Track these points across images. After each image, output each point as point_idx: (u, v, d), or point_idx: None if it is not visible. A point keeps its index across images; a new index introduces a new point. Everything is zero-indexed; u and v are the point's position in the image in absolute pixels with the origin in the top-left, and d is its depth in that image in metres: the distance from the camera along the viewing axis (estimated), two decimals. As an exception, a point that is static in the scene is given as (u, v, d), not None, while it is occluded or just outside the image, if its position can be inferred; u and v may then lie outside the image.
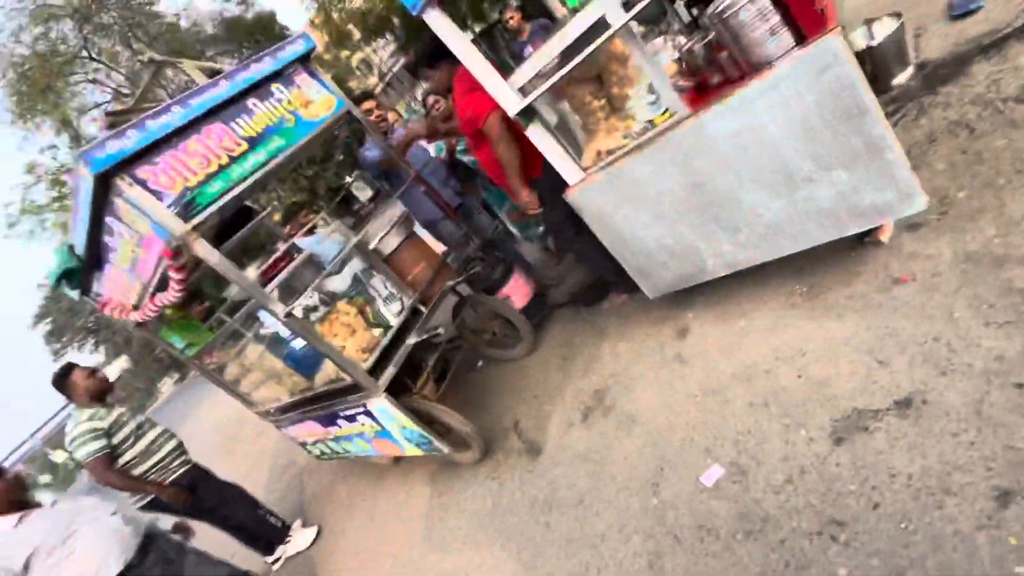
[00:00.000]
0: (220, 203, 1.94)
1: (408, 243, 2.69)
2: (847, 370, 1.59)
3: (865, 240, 1.89)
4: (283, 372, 2.59)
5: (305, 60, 2.39)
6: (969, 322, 1.44)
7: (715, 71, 1.83)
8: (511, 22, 4.27)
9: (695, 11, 2.33)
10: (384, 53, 23.11)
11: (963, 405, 1.30)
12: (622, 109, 2.11)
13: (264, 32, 17.82)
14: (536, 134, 2.04)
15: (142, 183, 1.78)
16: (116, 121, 2.20)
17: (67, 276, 2.41)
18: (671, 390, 2.07)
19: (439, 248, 3.30)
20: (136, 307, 2.49)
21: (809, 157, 1.62)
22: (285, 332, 2.18)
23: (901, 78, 2.44)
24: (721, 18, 1.58)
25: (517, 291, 3.11)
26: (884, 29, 2.41)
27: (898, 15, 2.37)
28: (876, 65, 2.42)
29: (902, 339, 1.54)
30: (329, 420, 2.69)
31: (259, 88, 2.18)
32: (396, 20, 12.03)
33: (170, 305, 2.34)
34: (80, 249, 2.25)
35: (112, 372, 33.77)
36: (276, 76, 2.25)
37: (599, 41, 1.68)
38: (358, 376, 2.16)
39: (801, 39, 1.54)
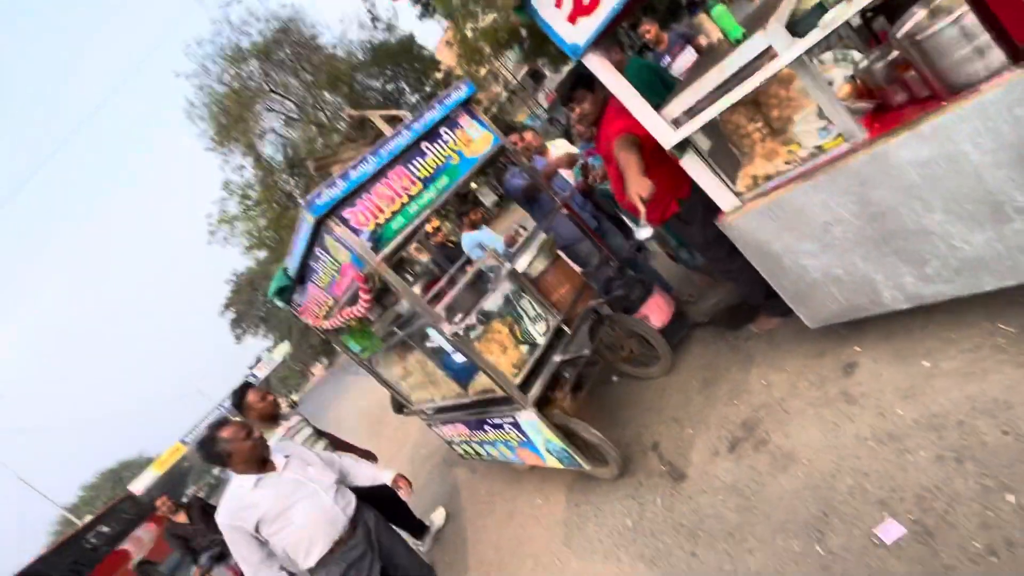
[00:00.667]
0: (401, 236, 2.27)
1: (553, 266, 2.85)
2: (1074, 432, 1.38)
3: (1101, 275, 1.60)
4: (441, 379, 2.90)
5: (467, 103, 2.66)
6: None
7: (899, 89, 1.69)
8: (647, 35, 4.22)
9: (871, 16, 2.14)
10: (509, 63, 23.98)
11: None
12: (783, 132, 2.02)
13: (406, 55, 19.62)
14: (690, 164, 2.05)
15: (345, 222, 2.15)
16: (320, 164, 2.67)
17: (280, 291, 2.97)
18: (836, 431, 1.94)
19: (580, 270, 3.42)
20: (326, 317, 2.99)
21: (1022, 187, 1.43)
22: (448, 346, 2.46)
23: None
24: (912, 39, 1.46)
25: (656, 310, 3.11)
26: None
27: None
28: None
29: None
30: (478, 425, 2.96)
31: (431, 132, 2.48)
32: (524, 32, 12.45)
33: (356, 317, 2.77)
34: (292, 271, 2.76)
35: (279, 353, 39.82)
36: (444, 120, 2.55)
37: (764, 75, 1.65)
38: (511, 390, 2.36)
39: (1017, 55, 1.36)
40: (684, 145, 2.01)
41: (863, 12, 2.11)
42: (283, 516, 2.24)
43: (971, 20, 1.36)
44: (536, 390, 2.45)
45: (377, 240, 2.22)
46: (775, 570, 1.74)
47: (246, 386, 3.13)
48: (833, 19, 1.53)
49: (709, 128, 2.29)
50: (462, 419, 3.06)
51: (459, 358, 2.59)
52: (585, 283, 2.97)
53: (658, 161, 2.32)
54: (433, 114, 2.47)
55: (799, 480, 1.91)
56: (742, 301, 3.01)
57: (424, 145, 2.44)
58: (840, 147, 1.73)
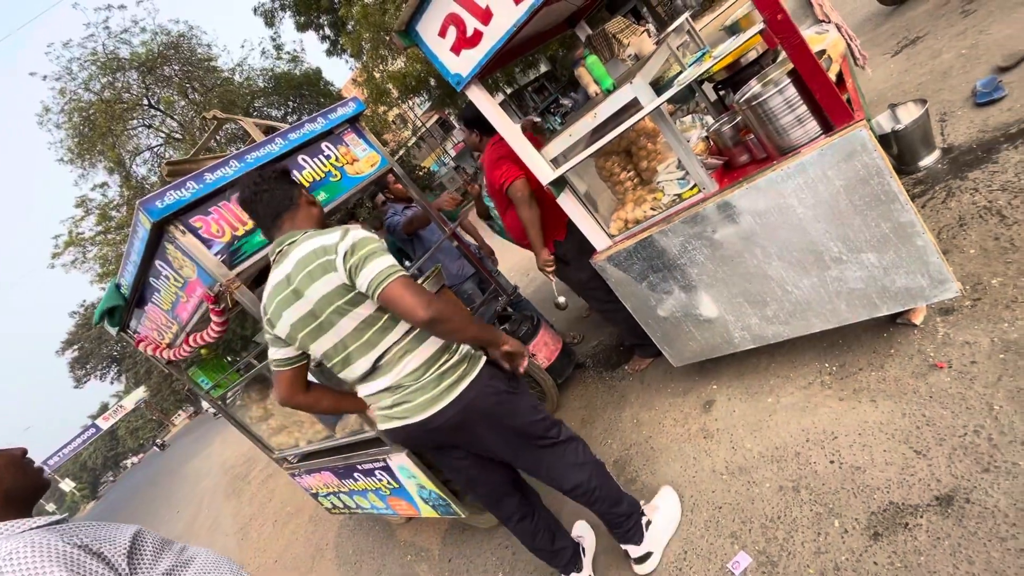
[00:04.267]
0: (263, 252, 2.04)
1: (441, 295, 2.75)
2: (882, 458, 1.53)
3: (898, 321, 1.87)
4: (305, 419, 2.60)
5: (354, 121, 2.57)
6: (1012, 416, 1.39)
7: (742, 151, 1.90)
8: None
9: (722, 92, 2.45)
10: (419, 110, 24.41)
11: (1011, 507, 1.24)
12: (650, 182, 2.18)
13: (311, 88, 19.12)
14: (567, 202, 2.11)
15: (194, 231, 1.89)
16: (175, 170, 2.37)
17: (110, 313, 2.51)
18: (696, 466, 2.01)
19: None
20: (170, 345, 2.57)
21: (838, 239, 1.64)
22: (312, 379, 2.21)
23: (928, 160, 2.48)
24: (749, 104, 1.66)
25: (543, 347, 3.11)
26: (909, 114, 2.48)
27: (923, 101, 2.44)
28: (902, 148, 2.48)
29: (939, 429, 1.49)
30: (346, 472, 2.67)
31: (310, 145, 2.33)
32: (433, 81, 12.78)
33: (206, 345, 2.41)
34: (126, 288, 2.36)
35: (131, 400, 34.11)
36: (326, 135, 2.42)
37: (630, 122, 1.78)
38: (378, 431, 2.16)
39: (828, 127, 1.60)
40: (561, 183, 2.08)
41: (716, 86, 2.41)
42: None
43: (793, 92, 1.57)
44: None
45: (234, 254, 1.97)
46: (638, 613, 1.69)
47: None
48: (684, 78, 1.69)
49: (588, 174, 2.42)
50: (329, 466, 2.74)
51: (323, 393, 2.34)
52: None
53: (539, 205, 2.42)
54: (314, 126, 2.33)
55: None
56: (620, 342, 3.14)
57: (302, 158, 2.29)
58: (695, 196, 1.89)
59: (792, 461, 1.74)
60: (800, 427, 1.82)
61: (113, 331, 2.68)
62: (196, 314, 2.17)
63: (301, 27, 17.02)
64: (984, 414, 1.44)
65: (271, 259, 1.49)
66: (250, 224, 2.03)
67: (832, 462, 1.64)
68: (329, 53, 17.69)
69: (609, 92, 1.93)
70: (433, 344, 1.46)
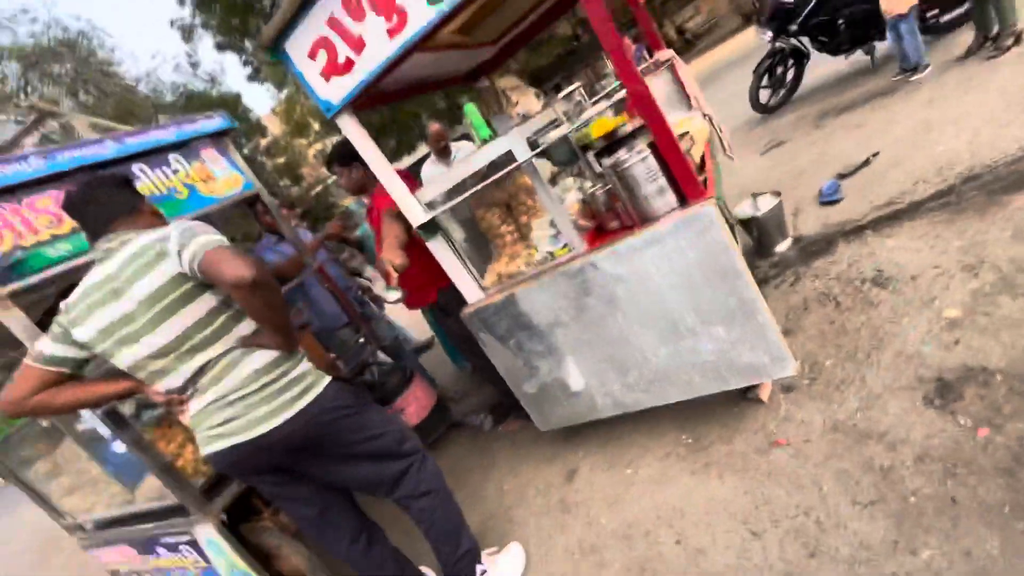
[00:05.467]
0: (60, 269, 1.68)
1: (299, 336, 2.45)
2: (723, 541, 1.48)
3: (748, 396, 1.91)
4: (99, 478, 2.11)
5: (219, 136, 2.32)
6: (837, 498, 1.40)
7: (613, 216, 1.92)
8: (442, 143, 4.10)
9: (603, 161, 2.54)
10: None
11: (831, 598, 1.21)
12: (527, 238, 2.14)
13: (228, 112, 18.11)
14: (438, 248, 2.00)
15: (-42, 233, 1.51)
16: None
17: None
18: (549, 542, 1.85)
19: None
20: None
21: (692, 310, 1.66)
22: (105, 430, 1.80)
23: (781, 247, 2.70)
24: (616, 170, 1.68)
25: (414, 403, 2.88)
26: (766, 204, 2.71)
27: (778, 193, 2.69)
28: (761, 233, 2.69)
29: (775, 509, 1.47)
30: (147, 547, 2.18)
31: (152, 155, 2.04)
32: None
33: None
34: None
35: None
36: (178, 147, 2.14)
37: (499, 174, 1.74)
38: (185, 496, 1.79)
39: (685, 202, 1.64)
40: (433, 229, 1.97)
41: (596, 154, 2.49)
42: None
43: (653, 163, 1.61)
44: (228, 497, 1.90)
45: (15, 265, 1.60)
46: None
47: None
48: (552, 137, 1.70)
49: (469, 225, 2.34)
50: (127, 537, 2.23)
51: (122, 448, 1.92)
52: (333, 363, 2.61)
53: (421, 248, 2.27)
54: (163, 135, 2.06)
55: (508, 603, 1.72)
56: (499, 402, 2.98)
57: (139, 167, 1.98)
58: (565, 256, 1.86)
59: (642, 540, 1.64)
60: (653, 503, 1.75)
61: None
62: (-44, 338, 1.71)
63: (220, 47, 16.26)
64: (814, 495, 1.45)
65: (95, 260, 1.35)
66: (46, 235, 1.67)
67: (678, 543, 1.56)
68: (250, 78, 17.00)
69: (485, 142, 1.89)
70: (268, 353, 1.39)
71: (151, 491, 1.93)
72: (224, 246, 1.25)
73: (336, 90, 1.76)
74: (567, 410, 2.09)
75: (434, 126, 3.61)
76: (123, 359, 1.35)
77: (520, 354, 2.03)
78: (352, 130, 1.83)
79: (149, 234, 1.31)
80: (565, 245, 1.88)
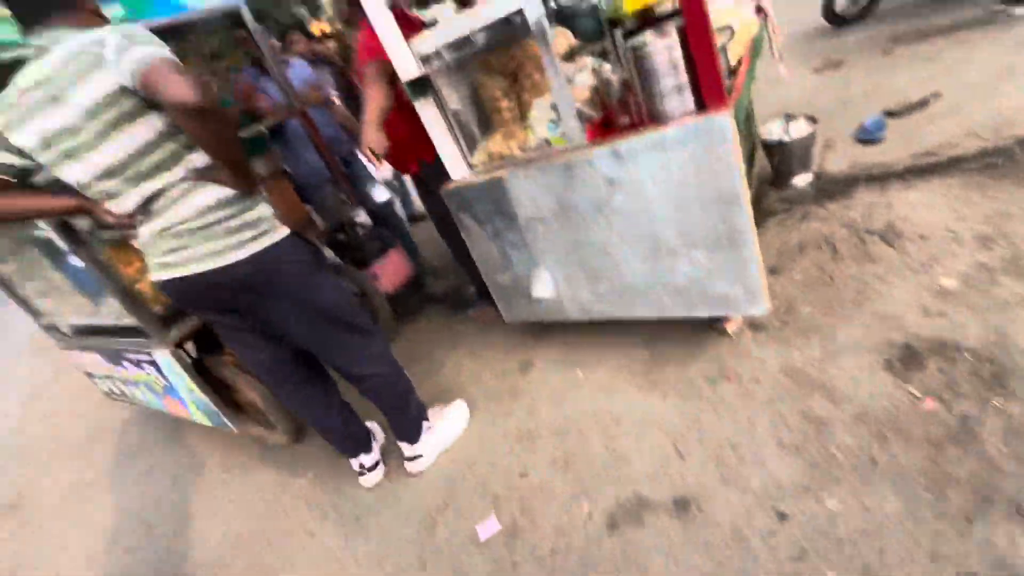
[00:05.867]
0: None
1: (271, 182, 2.34)
2: (648, 452, 1.54)
3: (715, 326, 1.88)
4: (63, 287, 2.13)
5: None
6: (766, 437, 1.43)
7: (624, 110, 1.71)
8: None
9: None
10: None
11: (727, 522, 1.28)
12: (527, 117, 1.94)
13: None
14: (426, 111, 1.81)
15: None
16: None
17: None
18: (491, 423, 1.94)
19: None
20: None
21: (677, 229, 1.55)
22: (61, 243, 1.76)
23: (800, 180, 2.51)
24: (636, 54, 1.46)
25: (389, 272, 2.86)
26: (798, 129, 2.46)
27: (814, 120, 2.43)
28: (782, 161, 2.48)
29: (705, 435, 1.52)
30: (114, 359, 2.28)
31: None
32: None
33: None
34: None
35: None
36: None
37: (503, 35, 1.50)
38: (143, 320, 1.81)
39: (703, 107, 1.45)
40: (424, 87, 1.77)
41: (625, 34, 2.18)
42: None
43: (678, 53, 1.39)
44: (187, 327, 1.94)
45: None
46: (377, 560, 1.62)
47: None
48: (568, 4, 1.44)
49: (468, 92, 2.10)
50: (97, 347, 2.33)
51: (80, 262, 1.90)
52: (309, 218, 2.54)
53: (409, 109, 2.04)
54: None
55: (441, 468, 1.85)
56: (476, 285, 2.97)
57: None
58: (561, 146, 1.69)
59: (575, 437, 1.72)
60: (594, 407, 1.80)
61: None
62: None
63: None
64: (745, 430, 1.48)
65: (28, 57, 1.20)
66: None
67: (606, 448, 1.63)
68: None
69: (497, -8, 1.61)
70: (224, 189, 1.30)
71: (113, 307, 1.96)
72: (171, 61, 1.10)
73: None
74: (534, 308, 2.07)
75: None
76: (68, 174, 1.26)
77: (496, 242, 1.96)
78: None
79: (84, 35, 1.14)
80: (563, 133, 1.70)
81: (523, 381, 2.09)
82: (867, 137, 2.61)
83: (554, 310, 2.03)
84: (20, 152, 1.26)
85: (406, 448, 1.85)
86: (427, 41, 1.70)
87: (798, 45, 4.47)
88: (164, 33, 2.21)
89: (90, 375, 2.80)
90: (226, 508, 2.15)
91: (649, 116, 1.52)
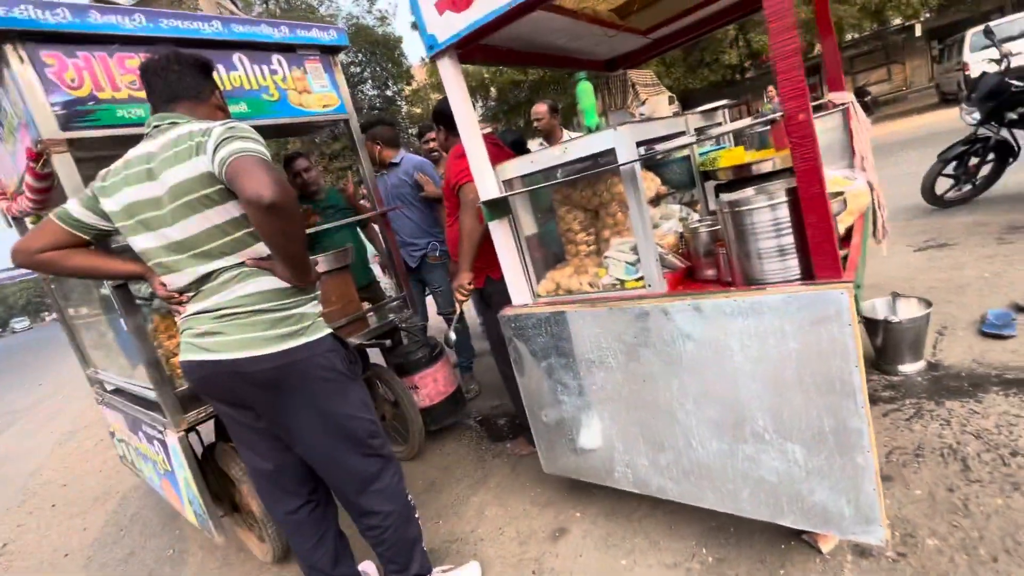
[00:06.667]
0: (124, 132, 1.63)
1: (335, 274, 2.33)
2: None
3: (803, 536, 1.48)
4: (114, 346, 2.13)
5: (330, 53, 2.22)
6: None
7: (711, 264, 1.56)
8: (538, 124, 3.50)
9: (722, 197, 2.14)
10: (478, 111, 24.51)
11: None
12: (602, 255, 1.83)
13: (384, 51, 19.07)
14: (499, 233, 1.75)
15: (40, 64, 1.49)
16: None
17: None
18: (502, 604, 1.57)
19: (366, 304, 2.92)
20: (16, 193, 2.13)
21: (769, 412, 1.27)
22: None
23: (910, 368, 2.15)
24: (734, 209, 1.32)
25: (431, 385, 2.69)
26: (908, 310, 2.18)
27: (928, 302, 2.14)
28: (888, 343, 2.16)
29: None
30: (134, 426, 2.18)
31: (257, 50, 1.97)
32: (493, 92, 12.71)
33: (29, 214, 1.98)
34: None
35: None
36: (285, 49, 2.06)
37: (591, 172, 1.43)
38: (162, 394, 1.71)
39: (810, 275, 1.25)
40: (500, 210, 1.72)
41: (717, 187, 2.10)
42: None
43: (784, 213, 1.24)
44: (205, 413, 1.81)
45: (80, 115, 1.57)
46: None
47: None
48: (666, 147, 1.37)
49: (545, 222, 2.06)
50: (121, 409, 2.26)
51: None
52: (363, 315, 2.48)
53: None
54: (273, 33, 1.97)
55: (432, 653, 1.47)
56: (516, 414, 2.72)
57: (239, 57, 1.91)
58: (636, 290, 1.53)
59: (606, 659, 1.31)
60: (637, 617, 1.40)
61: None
62: (26, 168, 1.74)
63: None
64: None
65: (145, 135, 1.29)
66: (124, 93, 1.63)
67: None
68: (414, 27, 17.75)
69: (590, 131, 1.60)
70: (276, 281, 1.27)
71: (143, 376, 1.89)
72: (259, 158, 1.11)
73: (445, 26, 1.55)
74: (579, 462, 1.78)
75: (539, 105, 3.36)
76: (139, 243, 1.30)
77: (548, 380, 1.74)
78: (450, 76, 1.62)
79: (197, 124, 1.23)
80: (641, 278, 1.55)
81: (552, 553, 1.73)
82: (993, 331, 2.25)
83: (602, 472, 1.72)
84: (105, 216, 1.30)
85: None
86: (513, 167, 1.69)
87: (897, 222, 4.27)
88: (287, 131, 2.44)
89: (112, 435, 2.72)
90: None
91: (741, 276, 1.34)
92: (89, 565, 2.46)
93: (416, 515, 1.56)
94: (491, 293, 2.17)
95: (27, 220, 2.28)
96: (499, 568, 1.72)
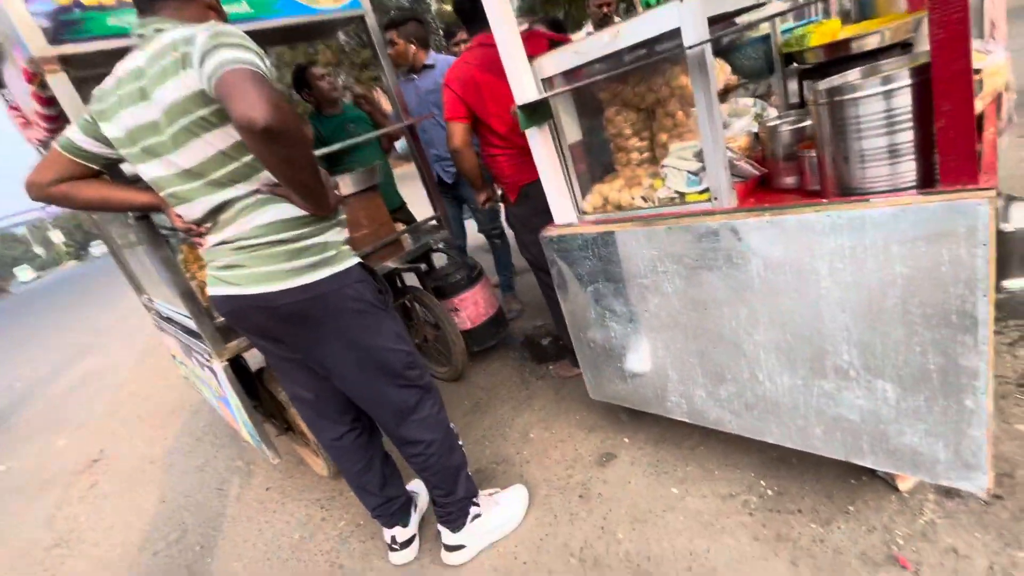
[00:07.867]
0: (115, 44, 1.47)
1: (363, 196, 2.20)
2: (765, 655, 1.08)
3: (878, 472, 1.36)
4: (154, 275, 2.13)
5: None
6: None
7: (792, 169, 1.30)
8: (605, 8, 3.11)
9: (814, 85, 1.78)
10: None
11: None
12: (659, 162, 1.58)
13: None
14: (538, 143, 1.52)
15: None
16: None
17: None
18: (551, 526, 1.57)
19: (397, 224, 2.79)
20: (28, 123, 2.05)
21: (857, 345, 1.09)
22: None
23: (1017, 285, 1.86)
24: (831, 99, 1.05)
25: (472, 306, 2.62)
26: (1023, 216, 1.83)
27: (1052, 209, 1.79)
28: (997, 254, 1.85)
29: (861, 658, 1.02)
30: (187, 352, 2.25)
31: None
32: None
33: (46, 143, 1.90)
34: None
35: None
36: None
37: (651, 60, 1.17)
38: (202, 327, 1.70)
39: (928, 182, 1.00)
40: (539, 115, 1.49)
41: (803, 72, 1.74)
42: None
43: (906, 102, 0.96)
44: (246, 342, 1.80)
45: (67, 25, 1.40)
46: None
47: None
48: (746, 21, 1.07)
49: (591, 124, 1.79)
50: (175, 335, 2.32)
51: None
52: (397, 238, 2.36)
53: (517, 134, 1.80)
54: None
55: (484, 565, 1.51)
56: (560, 335, 2.63)
57: (232, -54, 1.65)
58: (699, 203, 1.31)
59: (656, 586, 1.29)
60: (690, 547, 1.36)
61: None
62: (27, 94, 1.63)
63: None
64: (931, 671, 0.97)
65: (134, 45, 1.12)
66: (115, 0, 1.44)
67: (701, 619, 1.19)
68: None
69: (649, 7, 1.29)
70: (295, 208, 1.16)
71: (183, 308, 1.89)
72: (250, 71, 0.91)
73: None
74: (628, 389, 1.68)
75: None
76: (148, 172, 1.18)
77: (595, 306, 1.60)
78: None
79: (182, 29, 1.03)
80: (706, 190, 1.32)
81: (600, 478, 1.69)
82: None
83: (653, 401, 1.62)
84: (108, 143, 1.19)
85: (446, 535, 1.54)
86: (554, 61, 1.42)
87: (1019, 107, 3.61)
88: (296, 34, 2.19)
89: (173, 357, 2.86)
90: (254, 538, 1.98)
91: (836, 184, 1.10)
92: (171, 471, 2.70)
93: (460, 442, 1.54)
94: (528, 200, 1.97)
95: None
96: (545, 491, 1.72)
